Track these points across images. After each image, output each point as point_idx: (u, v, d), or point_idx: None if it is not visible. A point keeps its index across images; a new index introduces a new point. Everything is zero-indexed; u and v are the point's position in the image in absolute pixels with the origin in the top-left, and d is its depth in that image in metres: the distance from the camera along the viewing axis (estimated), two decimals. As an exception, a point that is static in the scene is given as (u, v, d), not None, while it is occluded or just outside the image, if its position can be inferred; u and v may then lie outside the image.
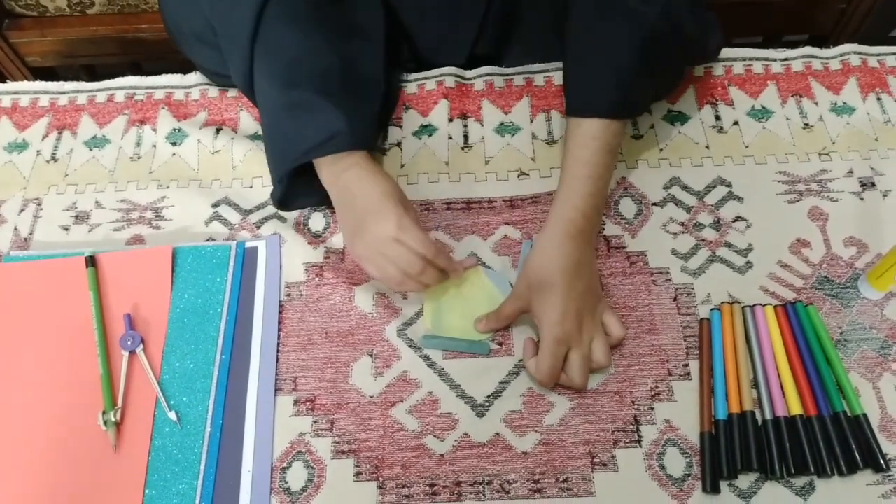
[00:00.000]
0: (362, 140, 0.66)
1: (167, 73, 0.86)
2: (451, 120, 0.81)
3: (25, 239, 0.75)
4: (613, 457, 0.61)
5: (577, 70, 0.68)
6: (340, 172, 0.65)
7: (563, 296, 0.62)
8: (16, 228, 0.76)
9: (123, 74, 0.87)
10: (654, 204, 0.74)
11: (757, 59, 0.83)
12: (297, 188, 0.71)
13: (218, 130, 0.81)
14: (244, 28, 0.66)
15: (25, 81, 0.88)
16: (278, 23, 0.66)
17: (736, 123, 0.79)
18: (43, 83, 0.87)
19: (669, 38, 0.66)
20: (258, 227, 0.75)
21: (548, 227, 0.65)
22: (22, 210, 0.77)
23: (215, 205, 0.76)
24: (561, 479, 0.60)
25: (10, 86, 0.87)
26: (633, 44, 0.64)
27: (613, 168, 0.68)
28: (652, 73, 0.67)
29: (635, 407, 0.63)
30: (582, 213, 0.64)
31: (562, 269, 0.63)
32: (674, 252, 0.71)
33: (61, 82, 0.86)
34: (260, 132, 0.81)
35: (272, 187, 0.72)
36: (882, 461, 0.59)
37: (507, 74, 0.84)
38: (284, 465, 0.62)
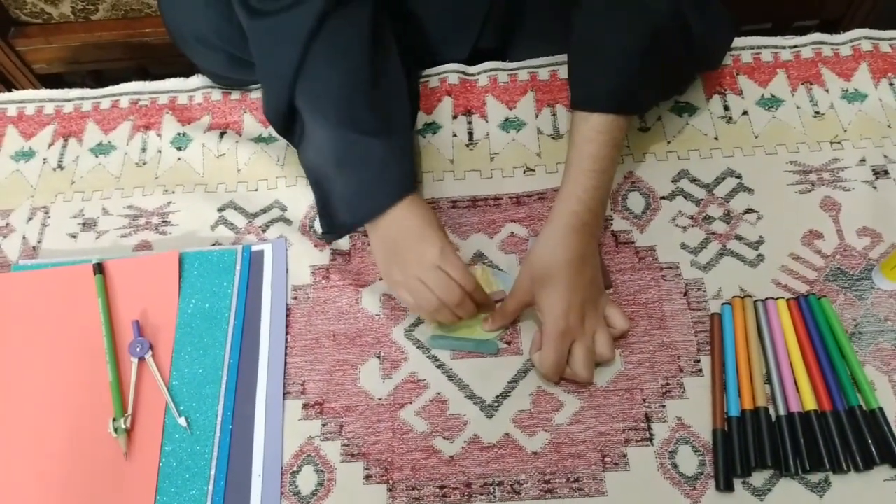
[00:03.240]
0: (414, 181, 0.67)
1: (174, 76, 0.86)
2: (455, 117, 0.80)
3: (34, 247, 0.75)
4: (625, 455, 0.61)
5: (584, 63, 0.67)
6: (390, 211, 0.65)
7: (567, 289, 0.62)
8: (24, 237, 0.76)
9: (130, 79, 0.88)
10: (663, 198, 0.73)
11: (765, 46, 0.82)
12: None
13: (222, 134, 0.81)
14: (288, 64, 0.65)
15: (31, 90, 0.88)
16: (324, 61, 0.65)
17: (745, 113, 0.77)
18: (48, 91, 0.87)
19: (677, 34, 0.65)
20: (264, 231, 0.74)
21: (552, 221, 0.64)
22: (30, 218, 0.78)
23: (221, 209, 0.76)
24: (572, 479, 0.60)
25: (16, 94, 0.87)
26: (641, 38, 0.63)
27: (618, 162, 0.67)
28: (660, 69, 0.66)
29: (646, 405, 0.63)
30: (587, 207, 0.63)
31: (566, 263, 0.62)
32: (683, 246, 0.70)
33: (66, 89, 0.87)
34: (265, 134, 0.81)
35: (325, 228, 0.70)
36: (899, 456, 0.58)
37: (512, 69, 0.83)
38: (294, 469, 0.62)
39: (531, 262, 0.64)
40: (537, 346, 0.63)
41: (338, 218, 0.68)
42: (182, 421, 0.64)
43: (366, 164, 0.65)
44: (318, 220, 0.72)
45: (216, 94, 0.84)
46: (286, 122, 0.70)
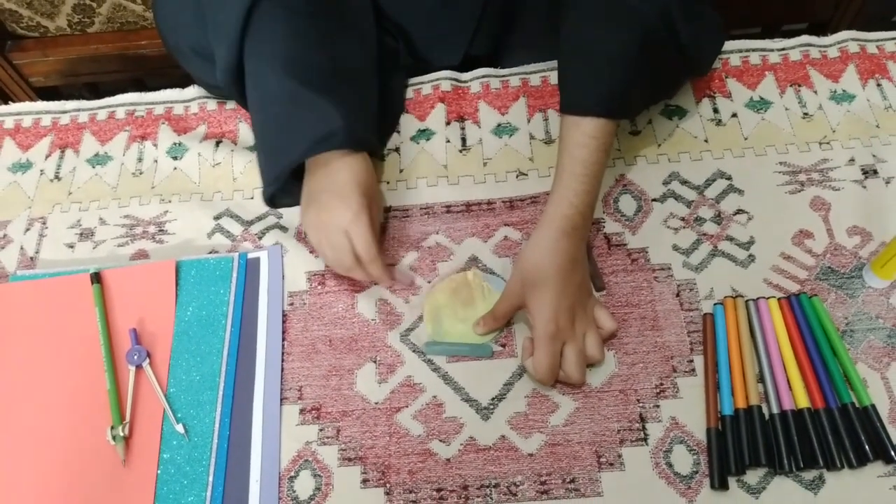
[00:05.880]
0: (360, 139, 0.67)
1: (170, 87, 0.87)
2: (448, 123, 0.81)
3: (31, 258, 0.76)
4: (620, 456, 0.61)
5: (574, 67, 0.68)
6: (329, 159, 0.66)
7: (558, 292, 0.62)
8: (22, 248, 0.77)
9: (126, 91, 0.88)
10: (654, 200, 0.74)
11: (754, 49, 0.83)
12: (288, 186, 0.71)
13: (218, 143, 0.82)
14: (233, 20, 0.66)
15: (28, 102, 0.89)
16: (271, 18, 0.66)
17: (734, 116, 0.78)
18: (44, 103, 0.88)
19: (665, 37, 0.66)
20: (260, 238, 0.75)
21: (543, 225, 0.64)
22: (27, 229, 0.78)
23: (217, 217, 0.77)
24: (568, 480, 0.60)
25: (13, 107, 0.88)
26: (632, 42, 0.64)
27: (608, 165, 0.67)
28: (650, 73, 0.67)
29: (640, 405, 0.63)
30: (578, 210, 0.64)
31: (557, 266, 0.63)
32: (675, 248, 0.71)
33: (62, 101, 0.87)
34: (259, 143, 0.82)
35: (263, 185, 0.72)
36: (892, 452, 0.58)
37: (503, 75, 0.84)
38: (292, 474, 0.62)
39: (522, 265, 0.64)
40: (529, 352, 0.64)
41: (280, 161, 0.69)
42: (180, 428, 0.64)
43: (299, 115, 0.66)
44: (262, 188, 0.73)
45: (212, 104, 0.85)
46: (236, 78, 0.71)
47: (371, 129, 0.73)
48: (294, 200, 0.73)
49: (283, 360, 0.68)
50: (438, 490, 0.61)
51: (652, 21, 0.64)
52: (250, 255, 0.73)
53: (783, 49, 0.82)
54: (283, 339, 0.69)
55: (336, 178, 0.65)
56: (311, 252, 0.73)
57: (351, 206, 0.64)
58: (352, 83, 0.70)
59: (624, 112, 0.68)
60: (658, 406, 0.63)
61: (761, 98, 0.79)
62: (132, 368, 0.67)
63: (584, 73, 0.66)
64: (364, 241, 0.64)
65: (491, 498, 0.60)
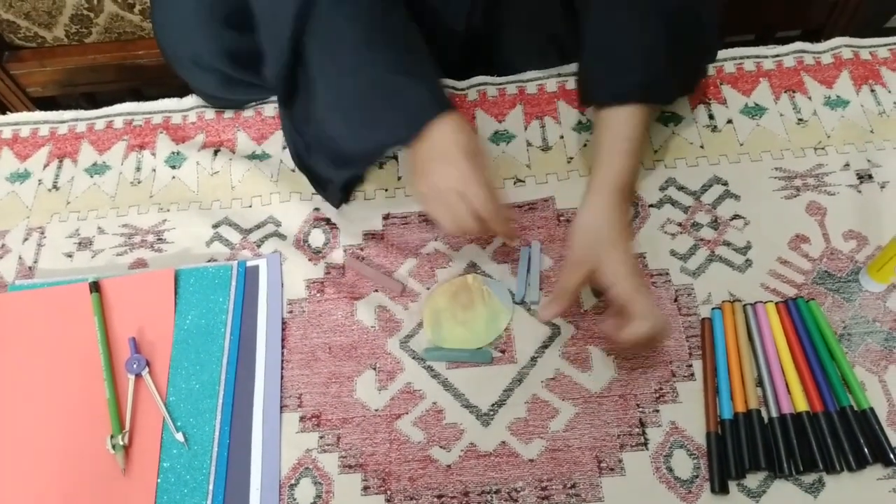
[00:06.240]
0: (447, 102, 0.65)
1: (167, 97, 0.87)
2: (445, 131, 0.81)
3: (30, 267, 0.76)
4: (620, 461, 0.61)
5: (608, 59, 0.69)
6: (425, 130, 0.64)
7: (627, 248, 0.64)
8: (20, 257, 0.77)
9: (124, 101, 0.88)
10: (651, 206, 0.74)
11: (748, 56, 0.83)
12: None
13: (216, 152, 0.82)
14: (289, 13, 0.64)
15: (25, 112, 0.89)
16: (329, 6, 0.65)
17: (730, 122, 0.79)
18: (42, 113, 0.88)
19: (688, 22, 0.67)
20: (259, 246, 0.75)
21: (594, 190, 0.66)
22: (26, 239, 0.78)
23: (216, 225, 0.77)
24: (568, 486, 0.60)
25: (11, 117, 0.88)
26: (659, 27, 0.66)
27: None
28: (680, 54, 0.68)
29: (640, 410, 0.63)
30: (626, 178, 0.66)
31: (620, 223, 0.64)
32: (672, 253, 0.71)
33: (60, 111, 0.88)
34: (257, 151, 0.82)
35: (334, 181, 0.72)
36: (892, 455, 0.58)
37: (500, 83, 0.84)
38: (292, 481, 0.62)
39: (583, 231, 0.65)
40: (615, 326, 0.61)
41: (376, 139, 0.67)
42: (179, 436, 0.64)
43: (383, 99, 0.65)
44: (327, 190, 0.73)
45: (210, 113, 0.86)
46: (289, 77, 0.69)
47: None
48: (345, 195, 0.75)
49: (282, 368, 0.68)
50: (439, 496, 0.61)
51: (675, 6, 0.66)
52: (249, 263, 0.73)
53: (777, 56, 0.83)
54: (283, 347, 0.69)
55: (436, 144, 0.63)
56: (309, 260, 0.74)
57: (458, 167, 0.62)
58: (420, 54, 0.68)
59: (663, 96, 0.71)
60: (658, 411, 0.63)
61: (756, 104, 0.80)
62: (131, 377, 0.67)
63: (620, 63, 0.68)
64: (482, 199, 0.62)
65: (492, 504, 0.60)
